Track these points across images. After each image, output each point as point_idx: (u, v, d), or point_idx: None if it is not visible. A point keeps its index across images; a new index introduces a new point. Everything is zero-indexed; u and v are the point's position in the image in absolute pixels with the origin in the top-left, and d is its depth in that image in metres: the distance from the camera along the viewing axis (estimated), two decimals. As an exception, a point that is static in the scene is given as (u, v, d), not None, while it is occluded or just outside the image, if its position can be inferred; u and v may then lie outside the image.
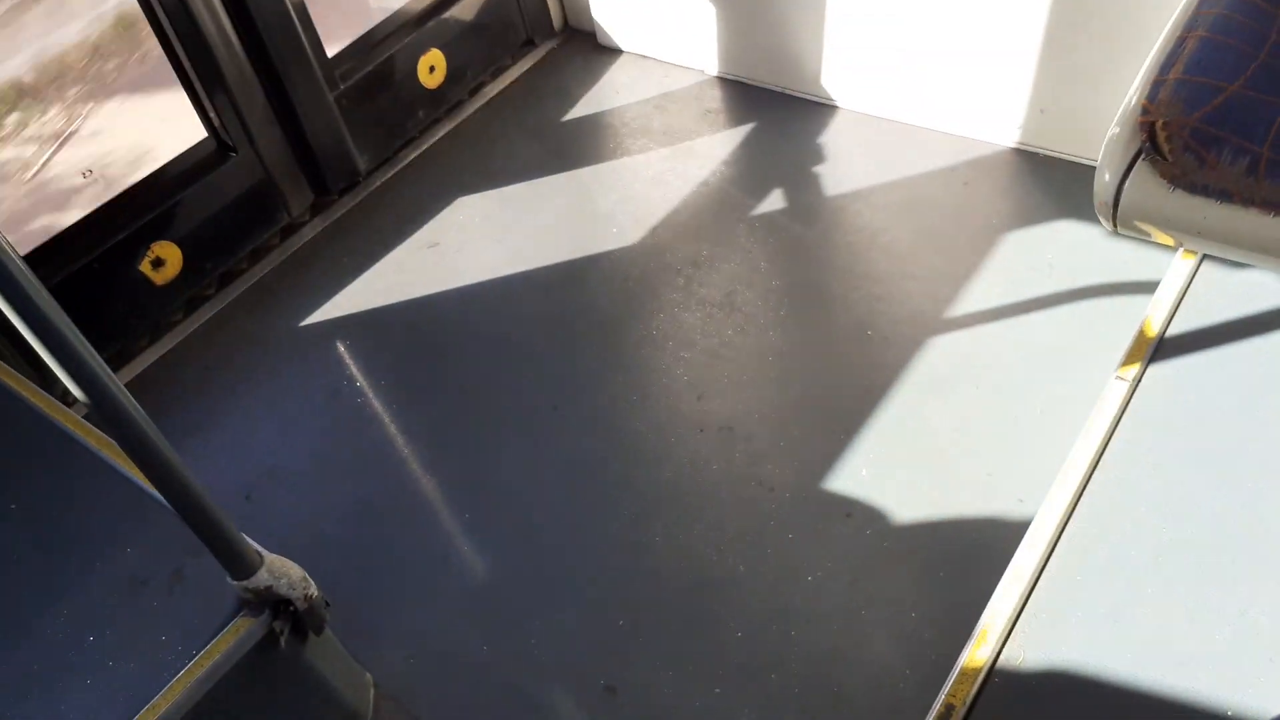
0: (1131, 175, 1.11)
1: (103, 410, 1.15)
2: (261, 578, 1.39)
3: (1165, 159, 1.12)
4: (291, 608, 1.44)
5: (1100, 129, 1.23)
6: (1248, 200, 1.08)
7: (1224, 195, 1.10)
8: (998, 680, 1.33)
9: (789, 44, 2.68)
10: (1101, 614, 1.37)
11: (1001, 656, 1.35)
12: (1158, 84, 1.17)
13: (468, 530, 1.98)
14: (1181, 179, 1.09)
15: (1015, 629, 1.39)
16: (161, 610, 1.44)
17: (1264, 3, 1.24)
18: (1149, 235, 1.13)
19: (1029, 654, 1.35)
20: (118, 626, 1.43)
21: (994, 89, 2.43)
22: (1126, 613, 1.35)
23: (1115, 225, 1.12)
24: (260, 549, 1.41)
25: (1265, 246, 1.07)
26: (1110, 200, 1.11)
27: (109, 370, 1.13)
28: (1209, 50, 1.21)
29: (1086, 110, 2.32)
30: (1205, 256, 1.68)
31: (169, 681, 1.34)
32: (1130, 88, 1.17)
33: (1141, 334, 1.66)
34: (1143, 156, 1.12)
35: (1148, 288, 1.69)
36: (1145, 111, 1.13)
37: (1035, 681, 1.31)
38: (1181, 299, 1.69)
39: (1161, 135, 1.13)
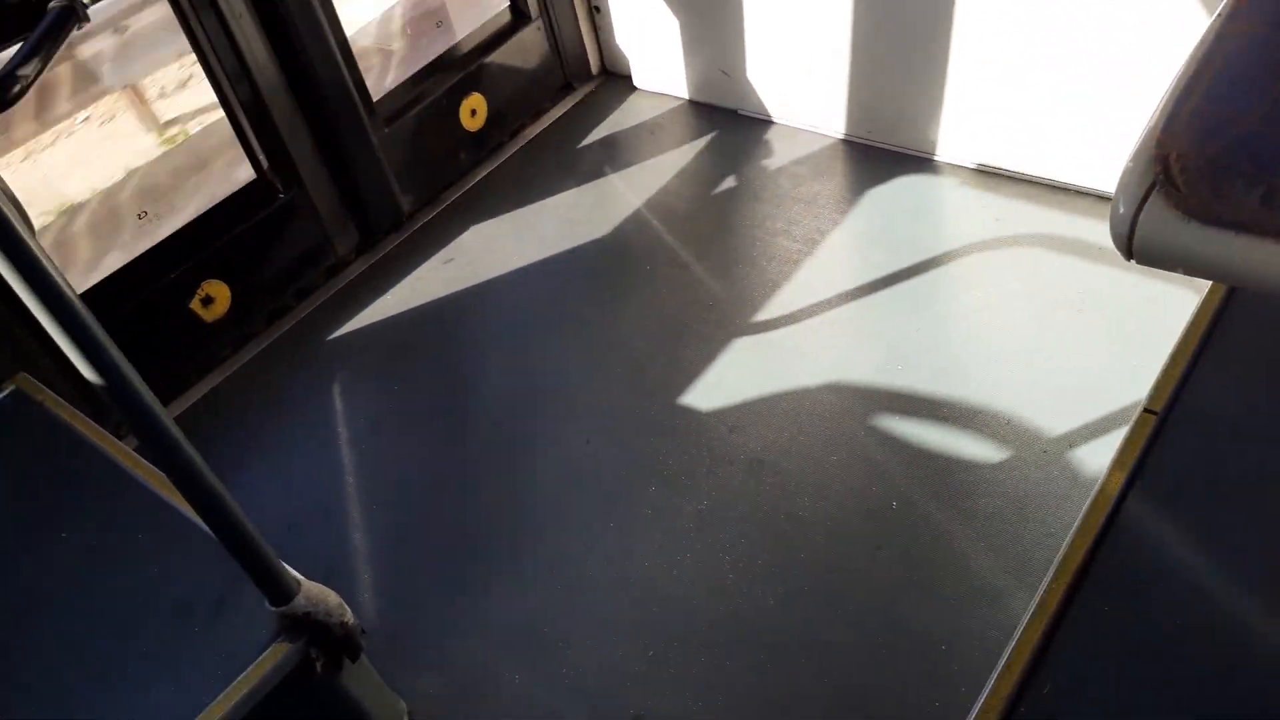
0: (1146, 207, 1.12)
1: (151, 442, 1.21)
2: (299, 604, 1.43)
3: (1179, 191, 1.12)
4: (328, 634, 1.48)
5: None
6: (1263, 231, 1.08)
7: (1239, 226, 1.10)
8: (1023, 710, 1.32)
9: (831, 89, 2.72)
10: (1128, 647, 1.35)
11: (1027, 688, 1.34)
12: (1173, 117, 1.18)
13: (501, 560, 2.01)
14: (1196, 211, 1.10)
15: (1043, 661, 1.38)
16: (203, 635, 1.49)
17: (1280, 37, 1.25)
18: (1167, 267, 1.14)
19: (1055, 685, 1.34)
20: (161, 650, 1.48)
21: (1027, 127, 2.45)
22: (1154, 646, 1.34)
23: (1131, 257, 1.13)
24: (299, 576, 1.45)
25: (1281, 276, 1.07)
26: (1125, 232, 1.12)
27: (159, 403, 1.19)
28: (1225, 84, 1.22)
29: (1114, 146, 2.33)
30: (1234, 288, 1.68)
31: (206, 706, 1.38)
32: (1146, 121, 1.18)
33: (1170, 366, 1.66)
34: (1157, 188, 1.12)
35: (1177, 320, 1.68)
36: (1159, 144, 1.14)
37: (1061, 713, 1.30)
38: (1211, 331, 1.68)
39: (1175, 167, 1.13)
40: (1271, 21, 1.26)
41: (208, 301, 2.48)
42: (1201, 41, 1.26)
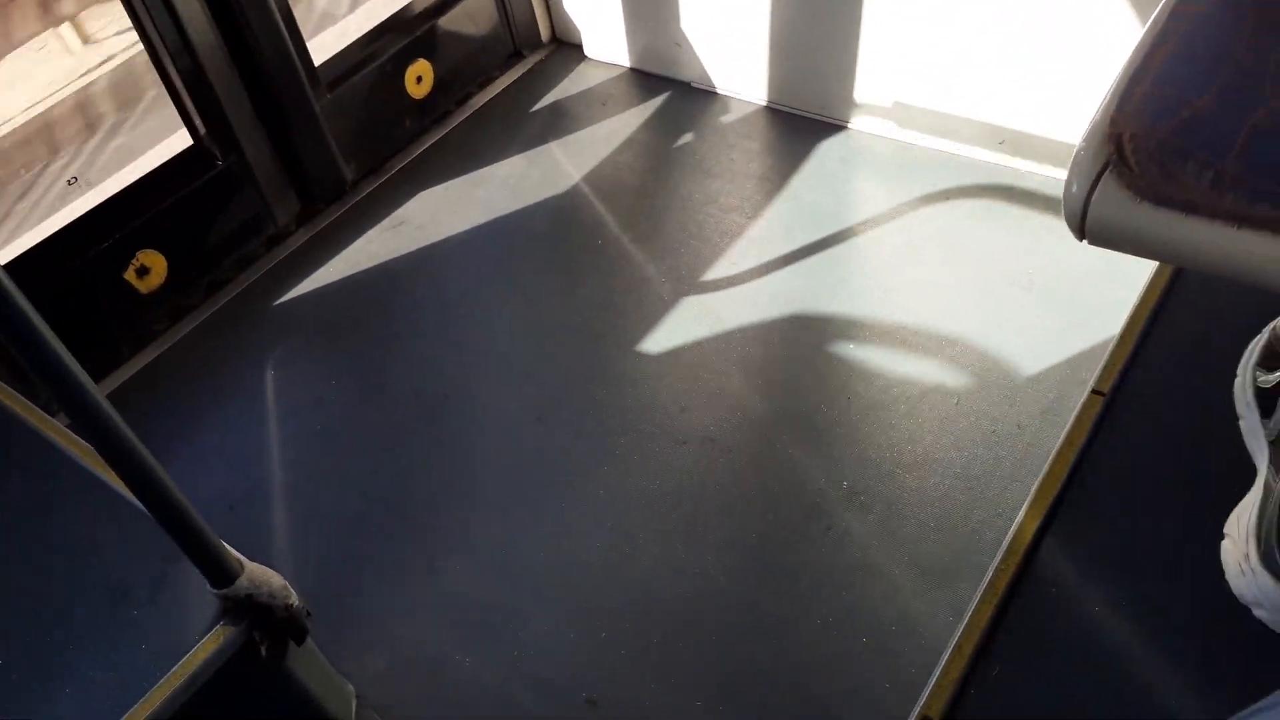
0: (1099, 187, 1.12)
1: (79, 417, 1.16)
2: (241, 586, 1.39)
3: (1132, 171, 1.13)
4: (272, 617, 1.44)
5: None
6: (1212, 213, 1.09)
7: (1189, 207, 1.11)
8: (973, 692, 1.33)
9: (782, 64, 2.70)
10: (1076, 629, 1.37)
11: (977, 669, 1.35)
12: (1126, 97, 1.19)
13: (450, 540, 1.98)
14: (1147, 191, 1.10)
15: (991, 643, 1.39)
16: (141, 619, 1.44)
17: (1233, 19, 1.26)
18: (1118, 247, 1.15)
19: (1004, 667, 1.36)
20: (96, 635, 1.43)
21: (986, 110, 2.45)
22: (1102, 625, 1.36)
23: (1084, 237, 1.13)
24: (241, 557, 1.41)
25: (1230, 258, 1.08)
26: (1078, 212, 1.13)
27: (86, 376, 1.13)
28: (1178, 65, 1.23)
29: (1066, 129, 2.35)
30: (1180, 269, 1.70)
31: (147, 691, 1.34)
32: (1100, 102, 1.18)
33: (1118, 347, 1.68)
34: (1110, 169, 1.13)
35: (1125, 300, 1.70)
36: (1113, 124, 1.14)
37: (1011, 694, 1.32)
38: (1158, 313, 1.70)
39: (1128, 148, 1.14)
40: (1224, 1, 1.26)
41: (143, 272, 2.40)
42: (1156, 19, 1.26)
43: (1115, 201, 1.12)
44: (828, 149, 2.66)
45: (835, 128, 2.70)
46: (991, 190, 2.46)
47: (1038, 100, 2.38)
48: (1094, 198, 1.15)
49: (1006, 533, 1.49)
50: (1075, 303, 2.16)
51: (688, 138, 2.77)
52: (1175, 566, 1.41)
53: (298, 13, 2.50)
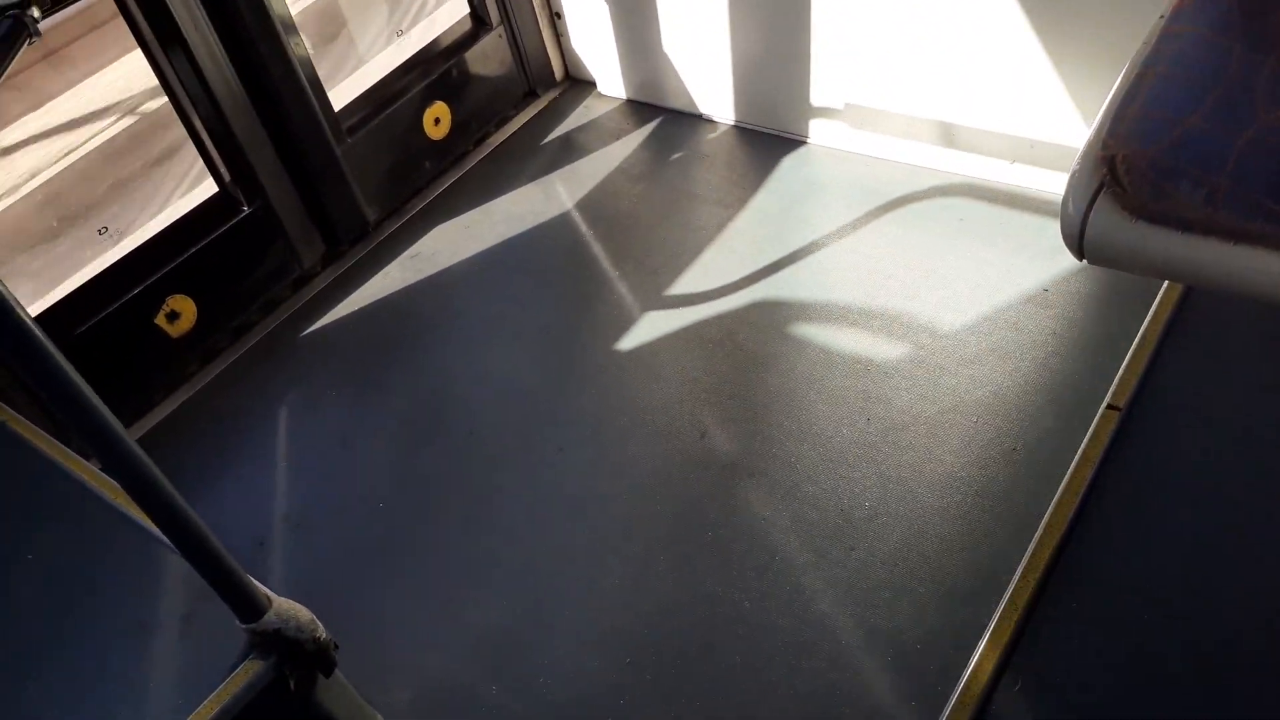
0: (1095, 208, 1.14)
1: (109, 458, 1.19)
2: (270, 620, 1.42)
3: (1126, 191, 1.15)
4: (300, 650, 1.47)
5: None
6: (1206, 229, 1.11)
7: (1184, 225, 1.13)
8: (994, 709, 1.34)
9: (782, 94, 2.74)
10: (1095, 642, 1.38)
11: (998, 687, 1.36)
12: (1118, 119, 1.21)
13: (476, 571, 2.01)
14: (1142, 210, 1.12)
15: (1013, 659, 1.40)
16: (171, 655, 1.47)
17: (1221, 39, 1.28)
18: (1117, 266, 1.17)
19: (1025, 683, 1.36)
20: (128, 672, 1.46)
21: (994, 125, 2.48)
22: (1122, 642, 1.36)
23: (1082, 256, 1.15)
24: (269, 592, 1.44)
25: (1227, 274, 1.10)
26: (1075, 233, 1.15)
27: (114, 418, 1.17)
28: (1168, 85, 1.25)
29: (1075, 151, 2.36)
30: (1191, 286, 1.71)
31: (178, 725, 1.37)
32: (1093, 124, 1.20)
33: (1132, 362, 1.69)
34: (1104, 189, 1.15)
35: (1138, 318, 1.71)
36: (1105, 146, 1.17)
37: (1030, 709, 1.32)
38: (1171, 328, 1.71)
39: (1121, 168, 1.16)
40: (1212, 22, 1.28)
41: (173, 317, 2.46)
42: (1146, 42, 1.28)
43: (1111, 222, 1.14)
44: (850, 180, 2.68)
45: (865, 159, 2.73)
46: (1010, 205, 2.47)
47: (1049, 115, 2.40)
48: (1090, 219, 1.17)
49: (1026, 549, 1.50)
50: (1095, 318, 2.16)
51: (703, 171, 2.81)
52: (1197, 582, 1.41)
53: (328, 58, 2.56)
